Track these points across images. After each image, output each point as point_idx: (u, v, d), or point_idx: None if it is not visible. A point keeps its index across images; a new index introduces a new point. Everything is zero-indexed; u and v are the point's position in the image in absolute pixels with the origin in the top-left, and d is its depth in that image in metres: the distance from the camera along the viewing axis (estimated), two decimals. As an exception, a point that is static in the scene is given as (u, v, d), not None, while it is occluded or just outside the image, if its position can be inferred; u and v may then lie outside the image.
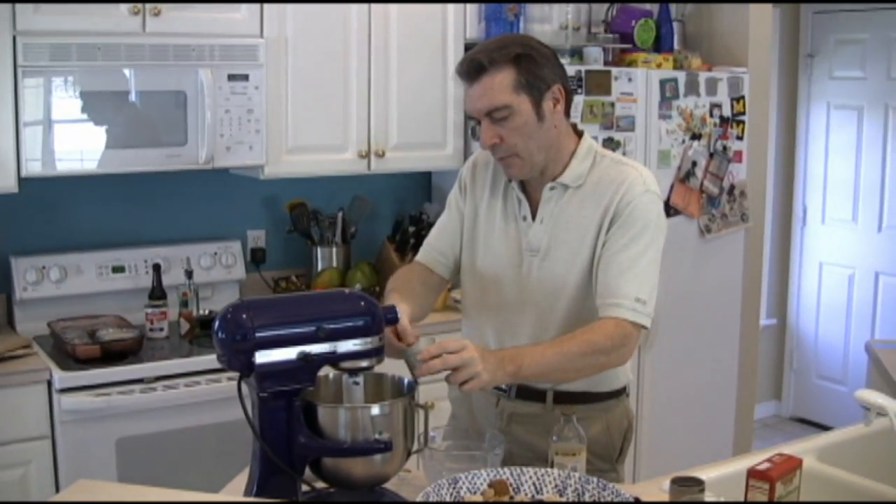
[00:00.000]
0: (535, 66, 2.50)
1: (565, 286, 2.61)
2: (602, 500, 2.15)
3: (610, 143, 4.46)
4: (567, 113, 2.61)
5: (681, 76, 4.72)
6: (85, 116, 3.78)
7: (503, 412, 2.73)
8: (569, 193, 2.62)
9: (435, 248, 2.85)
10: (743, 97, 4.94)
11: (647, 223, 2.56)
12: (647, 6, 5.02)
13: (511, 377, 2.38)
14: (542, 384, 2.66)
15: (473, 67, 2.49)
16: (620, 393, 2.78)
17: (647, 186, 2.59)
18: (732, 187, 4.95)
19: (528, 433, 2.67)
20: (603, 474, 2.64)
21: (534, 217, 2.65)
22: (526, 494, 2.22)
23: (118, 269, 4.23)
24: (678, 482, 2.18)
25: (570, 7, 4.80)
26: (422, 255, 2.88)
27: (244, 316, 2.15)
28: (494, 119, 2.50)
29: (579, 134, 2.68)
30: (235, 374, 2.20)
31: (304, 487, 2.25)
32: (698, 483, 2.16)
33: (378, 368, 2.34)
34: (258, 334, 2.14)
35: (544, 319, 2.64)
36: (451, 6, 4.56)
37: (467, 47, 4.58)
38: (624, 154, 4.48)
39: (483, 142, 2.54)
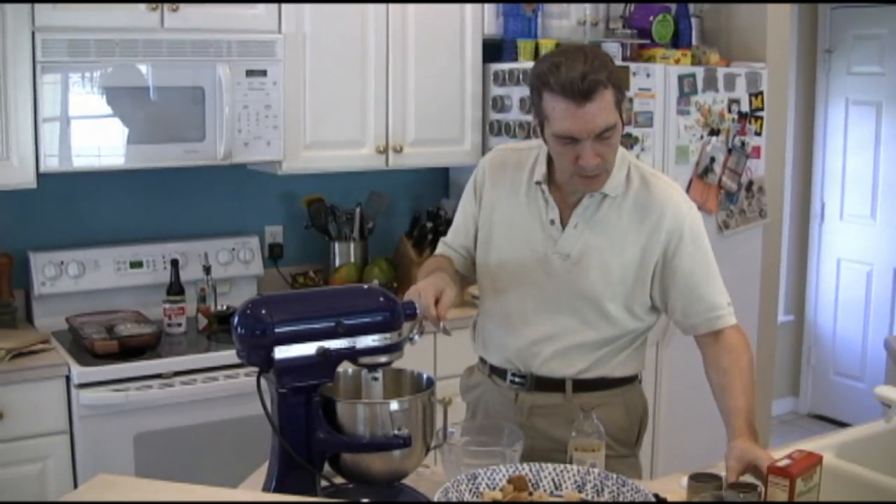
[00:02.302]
0: (621, 82, 2.51)
1: (594, 291, 2.63)
2: (621, 495, 2.15)
3: (628, 139, 4.44)
4: None
5: (699, 72, 4.70)
6: (103, 112, 3.79)
7: (523, 406, 2.73)
8: (607, 202, 2.63)
9: (450, 246, 2.89)
10: (761, 93, 4.92)
11: (702, 233, 2.68)
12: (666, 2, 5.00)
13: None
14: (561, 373, 2.67)
15: (591, 87, 2.40)
16: (633, 379, 2.81)
17: (688, 202, 2.69)
18: (750, 183, 4.93)
19: (551, 425, 2.67)
20: (624, 460, 2.70)
21: (562, 221, 2.65)
22: (545, 490, 2.22)
23: (136, 265, 4.24)
24: (696, 478, 2.18)
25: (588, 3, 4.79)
26: (441, 250, 2.91)
27: (263, 311, 2.15)
28: (601, 138, 2.47)
29: None
30: (253, 370, 2.21)
31: (323, 483, 2.25)
32: (716, 479, 2.16)
33: (397, 364, 2.34)
34: (277, 330, 2.14)
35: (564, 321, 2.66)
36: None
37: (485, 43, 4.60)
38: (642, 150, 4.48)
39: (588, 163, 2.47)
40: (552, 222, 2.66)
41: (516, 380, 2.74)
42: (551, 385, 2.70)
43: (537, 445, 2.55)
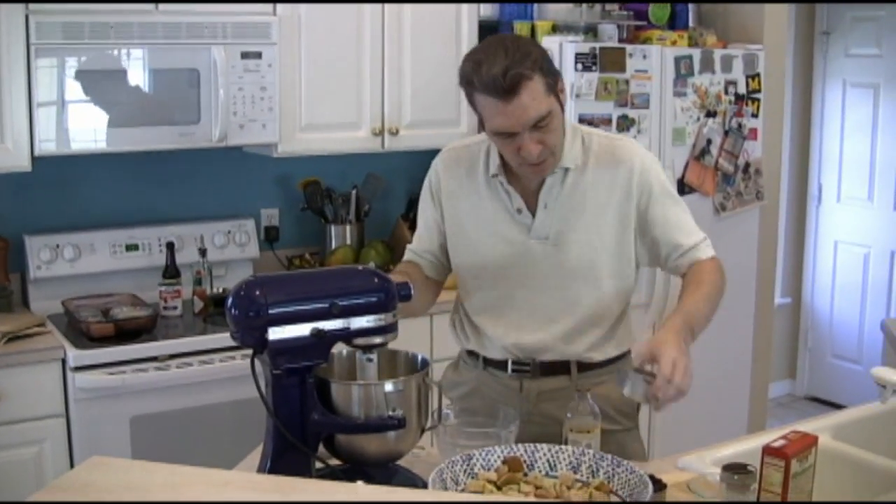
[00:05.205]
0: (549, 65, 2.47)
1: (584, 267, 2.62)
2: (616, 476, 2.15)
3: (625, 121, 4.44)
4: None
5: (696, 53, 4.69)
6: (97, 95, 3.78)
7: (529, 394, 2.71)
8: (570, 176, 2.61)
9: (416, 252, 2.85)
10: (758, 74, 4.91)
11: (667, 181, 2.69)
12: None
13: (690, 343, 2.37)
14: (565, 355, 2.67)
15: (513, 82, 2.37)
16: (627, 354, 2.80)
17: (649, 154, 2.71)
18: (747, 165, 4.93)
19: (560, 409, 2.63)
20: (630, 433, 2.73)
21: (529, 207, 2.64)
22: (540, 471, 2.21)
23: (132, 248, 4.23)
24: (730, 469, 2.17)
25: (585, -16, 4.78)
26: (408, 257, 2.88)
27: (257, 292, 2.15)
28: (538, 127, 2.45)
29: None
30: (249, 352, 2.20)
31: (318, 464, 2.25)
32: (746, 468, 2.15)
33: (392, 345, 2.33)
34: (271, 311, 2.13)
35: (562, 303, 2.65)
36: (465, -17, 4.54)
37: (481, 25, 4.58)
38: (638, 132, 4.47)
39: (530, 154, 2.45)
40: (519, 211, 2.64)
41: (519, 368, 2.72)
42: (557, 369, 2.69)
43: (548, 430, 2.53)
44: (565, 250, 2.62)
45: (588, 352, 2.68)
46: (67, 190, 4.24)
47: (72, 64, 3.72)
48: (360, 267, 2.41)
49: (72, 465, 3.64)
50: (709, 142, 4.74)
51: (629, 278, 2.69)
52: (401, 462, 2.36)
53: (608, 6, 4.87)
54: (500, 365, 2.74)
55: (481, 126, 2.54)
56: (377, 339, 2.27)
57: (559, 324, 2.66)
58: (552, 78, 2.46)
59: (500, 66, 2.37)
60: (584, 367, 2.69)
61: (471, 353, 2.81)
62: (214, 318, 4.05)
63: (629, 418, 2.77)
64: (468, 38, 4.56)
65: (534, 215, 2.63)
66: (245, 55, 4.02)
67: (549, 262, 2.64)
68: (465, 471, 2.17)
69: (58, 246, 4.09)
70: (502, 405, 2.59)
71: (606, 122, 4.38)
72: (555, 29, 4.60)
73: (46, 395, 3.62)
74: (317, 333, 2.17)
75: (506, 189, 2.64)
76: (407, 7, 4.41)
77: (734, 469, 2.17)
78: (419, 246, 2.85)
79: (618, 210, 2.61)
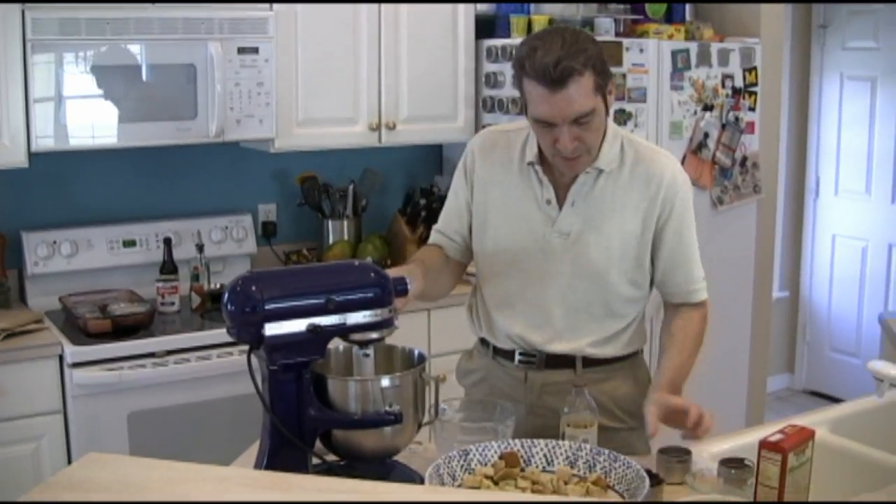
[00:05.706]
0: (604, 65, 2.47)
1: (596, 268, 2.63)
2: (613, 470, 2.15)
3: (622, 115, 4.43)
4: None
5: (693, 47, 4.68)
6: (95, 91, 3.78)
7: (533, 385, 2.71)
8: (603, 178, 2.62)
9: (443, 233, 2.84)
10: (755, 68, 4.91)
11: (691, 206, 2.70)
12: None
13: None
14: (571, 350, 2.67)
15: (564, 73, 2.38)
16: (639, 352, 2.82)
17: (682, 173, 2.69)
18: (745, 159, 4.92)
19: (563, 402, 2.65)
20: (634, 432, 2.70)
21: (559, 200, 2.64)
22: (537, 466, 2.22)
23: (129, 244, 4.23)
24: (727, 463, 2.19)
25: (582, -22, 4.77)
26: (434, 238, 2.88)
27: (253, 288, 2.14)
28: (578, 123, 2.46)
29: None
30: (246, 348, 2.20)
31: (315, 460, 2.25)
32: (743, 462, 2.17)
33: (389, 340, 2.33)
34: (267, 306, 2.13)
35: (573, 301, 2.65)
36: (461, -22, 4.53)
37: (478, 19, 4.58)
38: (635, 126, 4.46)
39: (565, 147, 2.47)
40: (548, 202, 2.64)
41: (525, 359, 2.72)
42: (562, 362, 2.69)
43: (551, 423, 2.52)
44: (583, 250, 2.63)
45: (594, 348, 2.69)
46: (64, 186, 4.24)
47: (68, 60, 3.71)
48: (357, 262, 2.41)
49: (69, 462, 3.64)
50: (706, 135, 4.74)
51: (644, 287, 2.71)
52: (398, 457, 2.36)
53: None
54: (508, 355, 2.75)
55: (524, 111, 2.55)
56: (373, 335, 2.27)
57: (566, 321, 2.67)
58: (603, 78, 2.47)
59: (553, 55, 2.39)
60: (590, 362, 2.69)
61: (483, 342, 2.83)
62: (212, 313, 4.05)
63: (634, 418, 2.73)
64: (465, 33, 4.56)
65: (560, 209, 2.63)
66: (242, 50, 4.02)
67: (566, 258, 2.64)
68: (461, 466, 2.17)
69: (55, 242, 4.09)
70: (501, 399, 2.59)
71: (603, 116, 4.37)
72: (551, 23, 4.59)
73: (44, 392, 3.61)
74: (313, 329, 2.17)
75: (539, 178, 2.65)
76: (404, 2, 4.39)
77: (731, 463, 2.18)
78: (447, 227, 2.84)
79: (642, 220, 2.62)
